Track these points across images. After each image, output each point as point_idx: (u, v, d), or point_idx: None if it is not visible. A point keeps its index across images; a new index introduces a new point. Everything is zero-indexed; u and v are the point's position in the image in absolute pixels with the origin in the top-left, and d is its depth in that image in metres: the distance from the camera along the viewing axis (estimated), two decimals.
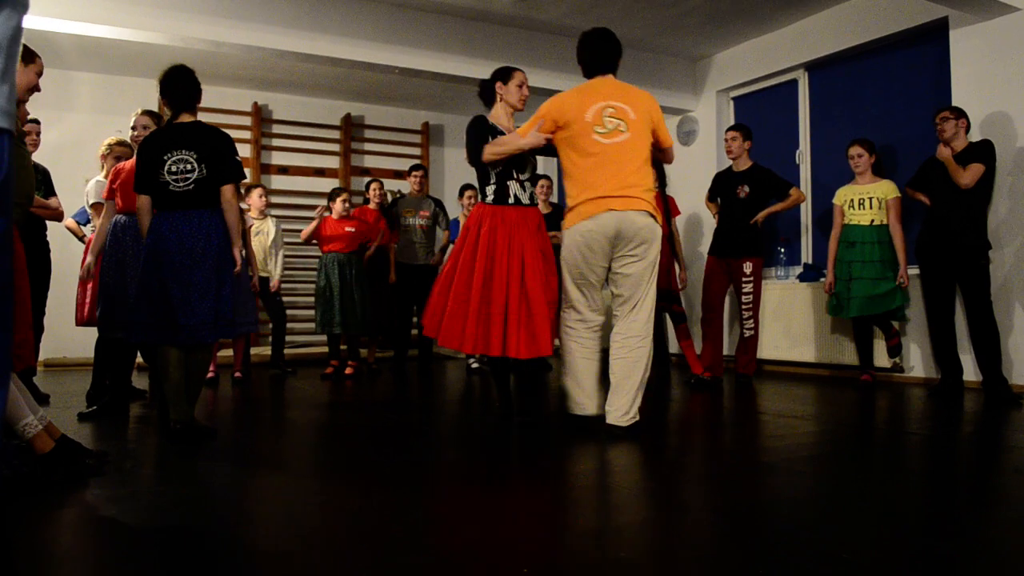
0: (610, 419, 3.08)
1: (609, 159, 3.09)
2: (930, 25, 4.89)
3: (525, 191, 3.37)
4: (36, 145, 4.40)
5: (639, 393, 3.12)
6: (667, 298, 4.88)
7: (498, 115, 3.42)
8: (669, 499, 2.28)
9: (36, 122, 4.45)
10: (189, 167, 3.06)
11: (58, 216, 4.46)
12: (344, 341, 5.80)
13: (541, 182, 5.60)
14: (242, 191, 5.33)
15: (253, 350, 6.02)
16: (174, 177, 3.06)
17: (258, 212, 5.72)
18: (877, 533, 1.81)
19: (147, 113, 3.85)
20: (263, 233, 5.67)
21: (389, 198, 6.11)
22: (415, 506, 2.13)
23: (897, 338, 4.80)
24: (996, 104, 4.50)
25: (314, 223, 5.70)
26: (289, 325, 7.41)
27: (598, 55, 3.24)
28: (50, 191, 4.44)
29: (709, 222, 5.89)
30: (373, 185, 6.06)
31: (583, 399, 3.23)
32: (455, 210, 6.63)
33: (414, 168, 6.15)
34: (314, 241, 5.80)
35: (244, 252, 3.41)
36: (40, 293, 4.27)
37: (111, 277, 3.67)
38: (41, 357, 5.06)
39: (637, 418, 3.09)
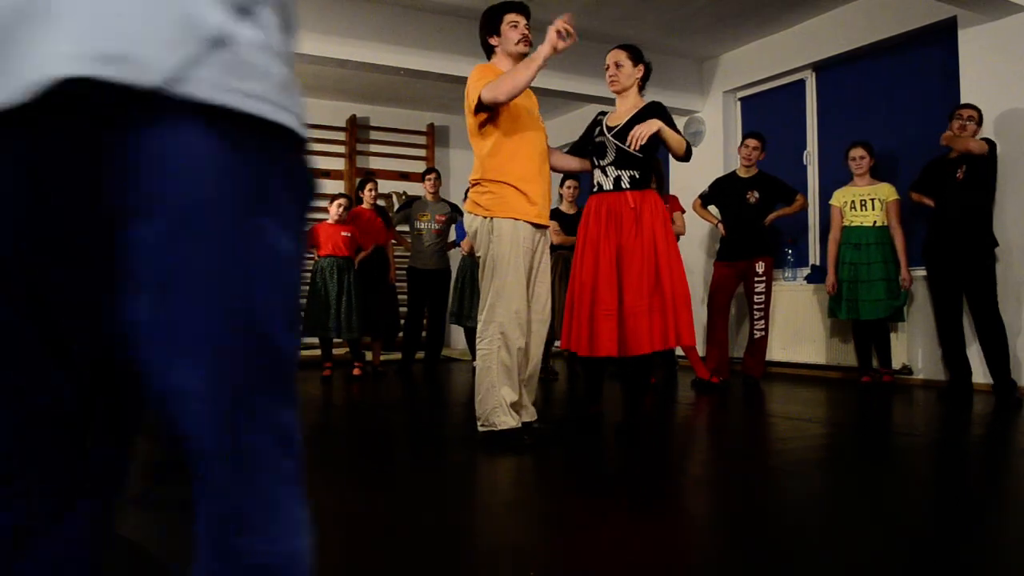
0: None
1: None
2: (939, 25, 4.85)
3: (608, 176, 3.23)
4: None
5: (485, 401, 2.93)
6: None
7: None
8: (675, 502, 2.26)
9: None
10: None
11: None
12: (346, 344, 5.78)
13: (568, 183, 5.57)
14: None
15: None
16: None
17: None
18: (886, 537, 1.79)
19: None
20: None
21: (395, 200, 6.09)
22: (420, 509, 2.11)
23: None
24: (1005, 103, 4.46)
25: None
26: None
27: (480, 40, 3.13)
28: None
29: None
30: (368, 185, 6.03)
31: None
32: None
33: (427, 172, 6.16)
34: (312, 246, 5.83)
35: None
36: None
37: None
38: None
39: (494, 427, 2.92)
